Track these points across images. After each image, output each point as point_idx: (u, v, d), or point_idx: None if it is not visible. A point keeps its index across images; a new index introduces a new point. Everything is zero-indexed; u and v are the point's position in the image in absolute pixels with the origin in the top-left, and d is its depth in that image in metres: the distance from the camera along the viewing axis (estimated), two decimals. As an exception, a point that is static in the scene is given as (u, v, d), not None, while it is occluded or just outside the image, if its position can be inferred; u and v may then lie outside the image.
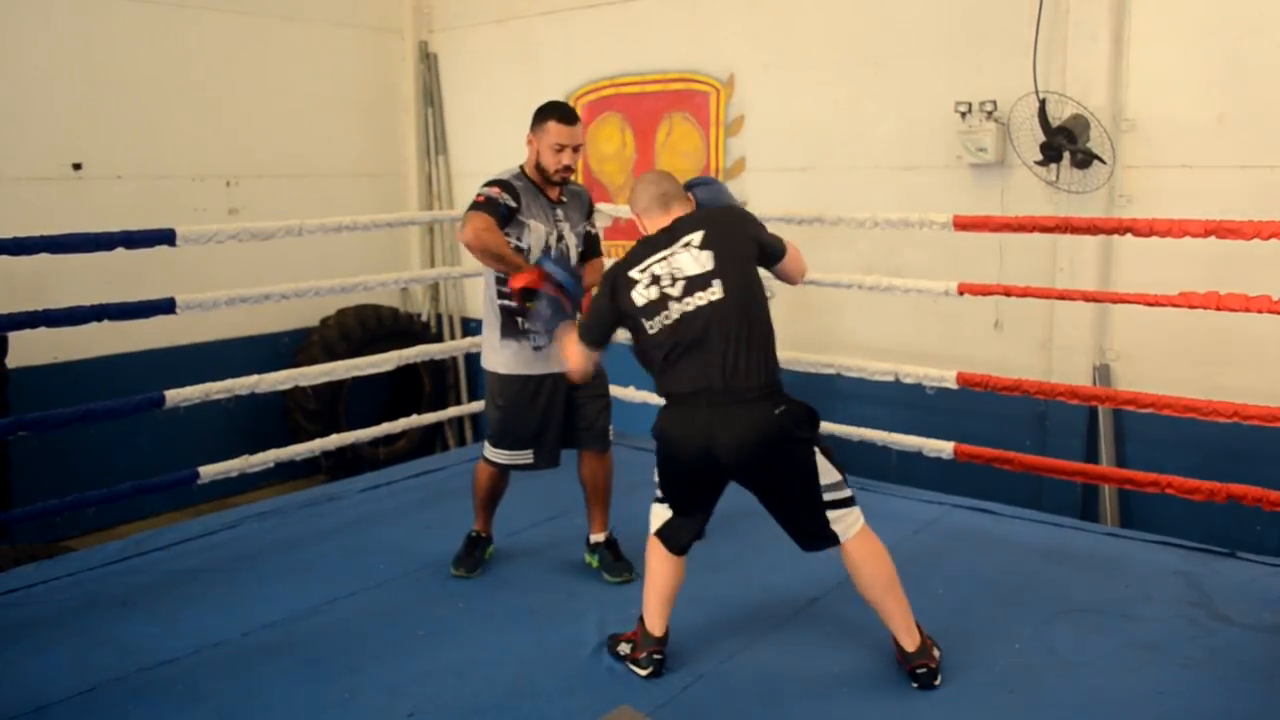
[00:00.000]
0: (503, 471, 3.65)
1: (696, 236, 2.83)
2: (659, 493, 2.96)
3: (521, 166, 3.49)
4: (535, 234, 3.42)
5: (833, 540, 2.86)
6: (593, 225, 3.63)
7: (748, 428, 2.74)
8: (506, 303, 3.42)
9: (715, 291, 2.77)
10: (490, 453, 3.63)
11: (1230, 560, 3.65)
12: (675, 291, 2.79)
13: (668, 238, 2.87)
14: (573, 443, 3.64)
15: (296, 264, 6.07)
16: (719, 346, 2.75)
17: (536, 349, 3.47)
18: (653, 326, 2.82)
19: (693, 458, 2.79)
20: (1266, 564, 3.62)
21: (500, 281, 3.42)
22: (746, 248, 2.89)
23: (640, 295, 2.83)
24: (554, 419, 3.56)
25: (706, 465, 2.79)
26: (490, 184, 3.40)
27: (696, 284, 2.78)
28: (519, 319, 3.42)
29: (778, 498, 2.87)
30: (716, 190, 3.19)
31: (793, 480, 2.82)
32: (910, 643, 2.86)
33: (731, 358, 2.74)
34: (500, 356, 3.53)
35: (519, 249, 3.38)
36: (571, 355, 3.07)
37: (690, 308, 2.77)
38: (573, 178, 3.50)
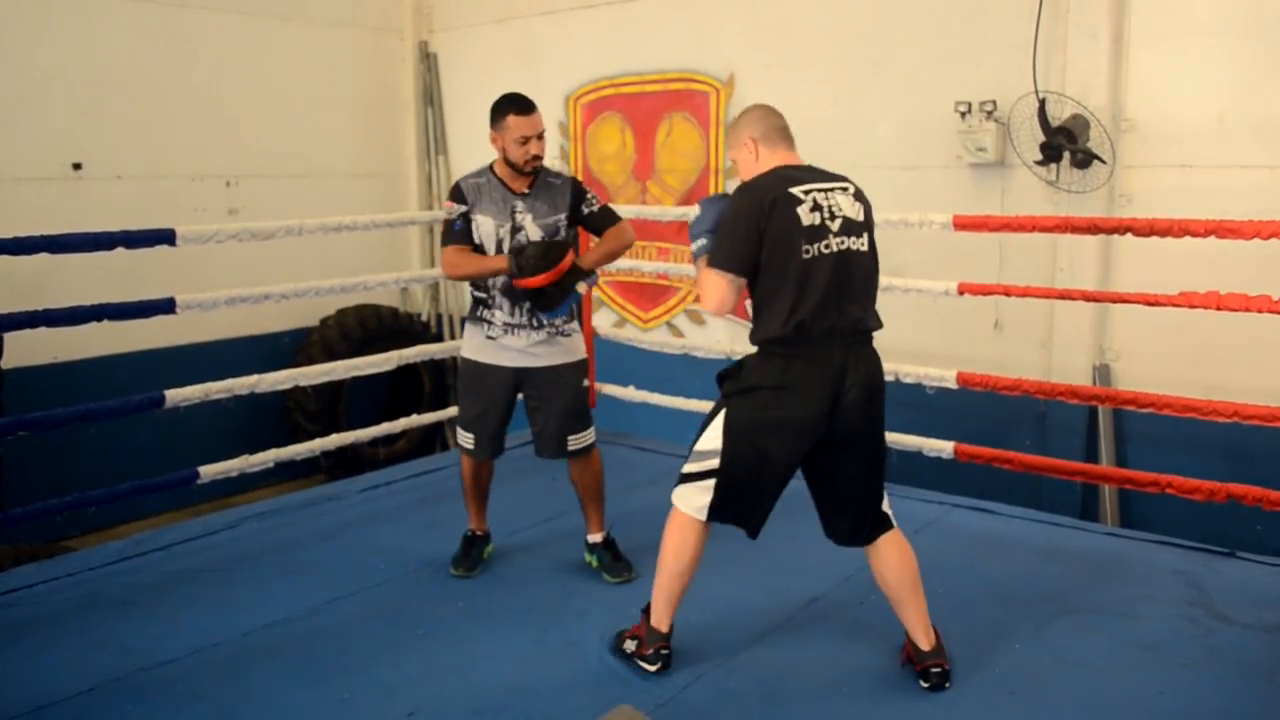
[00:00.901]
0: (471, 457, 3.66)
1: (850, 186, 2.81)
2: (700, 467, 2.78)
3: (492, 163, 3.52)
4: (484, 229, 3.44)
5: (886, 525, 2.83)
6: (589, 206, 3.54)
7: (875, 366, 2.76)
8: (474, 292, 3.56)
9: (864, 243, 2.76)
10: (458, 435, 3.69)
11: (1230, 560, 3.65)
12: (834, 226, 2.71)
13: (817, 173, 2.80)
14: (536, 447, 3.66)
15: (296, 264, 6.08)
16: (857, 292, 2.73)
17: (489, 338, 3.52)
18: (809, 251, 2.65)
19: (816, 407, 2.66)
20: (1266, 564, 3.61)
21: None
22: (873, 227, 2.85)
23: (805, 215, 2.67)
24: (492, 411, 3.56)
25: (823, 414, 2.67)
26: (448, 194, 3.55)
27: (852, 229, 2.74)
28: (480, 306, 3.52)
29: (861, 462, 2.79)
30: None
31: (878, 441, 2.81)
32: (926, 642, 2.85)
33: (862, 304, 2.74)
34: (465, 338, 3.63)
35: (474, 245, 3.46)
36: (713, 289, 2.70)
37: (843, 247, 2.71)
38: (543, 164, 3.47)
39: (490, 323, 3.50)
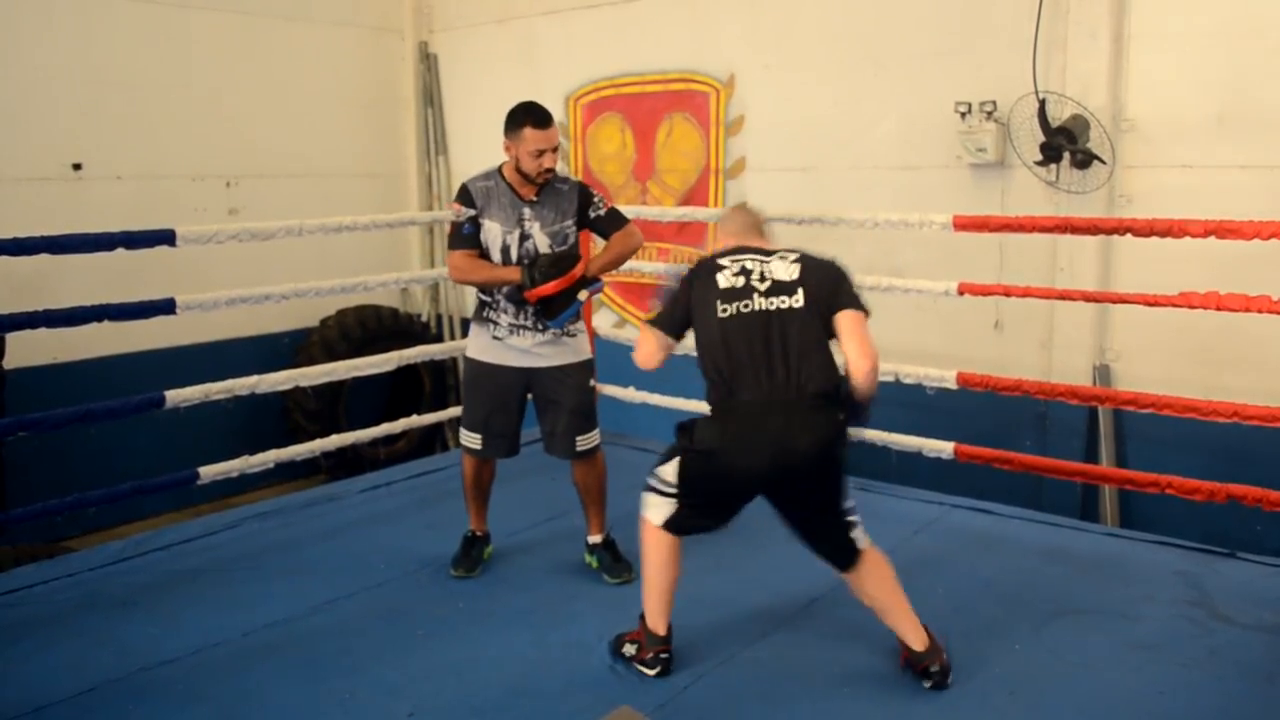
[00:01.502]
0: (475, 456, 3.66)
1: (793, 255, 2.89)
2: (663, 486, 2.89)
3: (501, 166, 3.52)
4: (490, 234, 3.45)
5: (855, 553, 2.87)
6: (597, 210, 3.56)
7: (823, 430, 2.74)
8: (480, 294, 3.57)
9: (798, 300, 2.80)
10: (461, 435, 3.69)
11: (1230, 560, 3.65)
12: (761, 288, 2.80)
13: (764, 250, 2.93)
14: (545, 446, 3.68)
15: (296, 264, 6.07)
16: (795, 351, 2.75)
17: (495, 338, 3.52)
18: (726, 310, 2.78)
19: (756, 467, 2.74)
20: (1266, 564, 3.62)
21: None
22: (833, 286, 2.87)
23: (724, 279, 2.83)
24: (501, 412, 3.57)
25: (768, 474, 2.74)
26: (455, 196, 3.55)
27: (783, 289, 2.80)
28: (485, 307, 3.53)
29: (818, 509, 2.86)
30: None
31: (835, 491, 2.85)
32: (920, 643, 2.85)
33: (804, 364, 2.75)
34: (470, 338, 3.64)
35: (483, 249, 3.47)
36: (645, 344, 2.93)
37: (771, 307, 2.77)
38: (555, 174, 3.48)
39: (496, 323, 3.51)
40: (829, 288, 2.83)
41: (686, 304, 2.88)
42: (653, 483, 2.92)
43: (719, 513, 2.90)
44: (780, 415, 2.72)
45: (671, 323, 2.91)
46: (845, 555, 2.88)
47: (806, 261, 2.87)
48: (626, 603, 3.26)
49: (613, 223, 3.58)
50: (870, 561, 2.88)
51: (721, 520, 2.92)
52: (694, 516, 2.89)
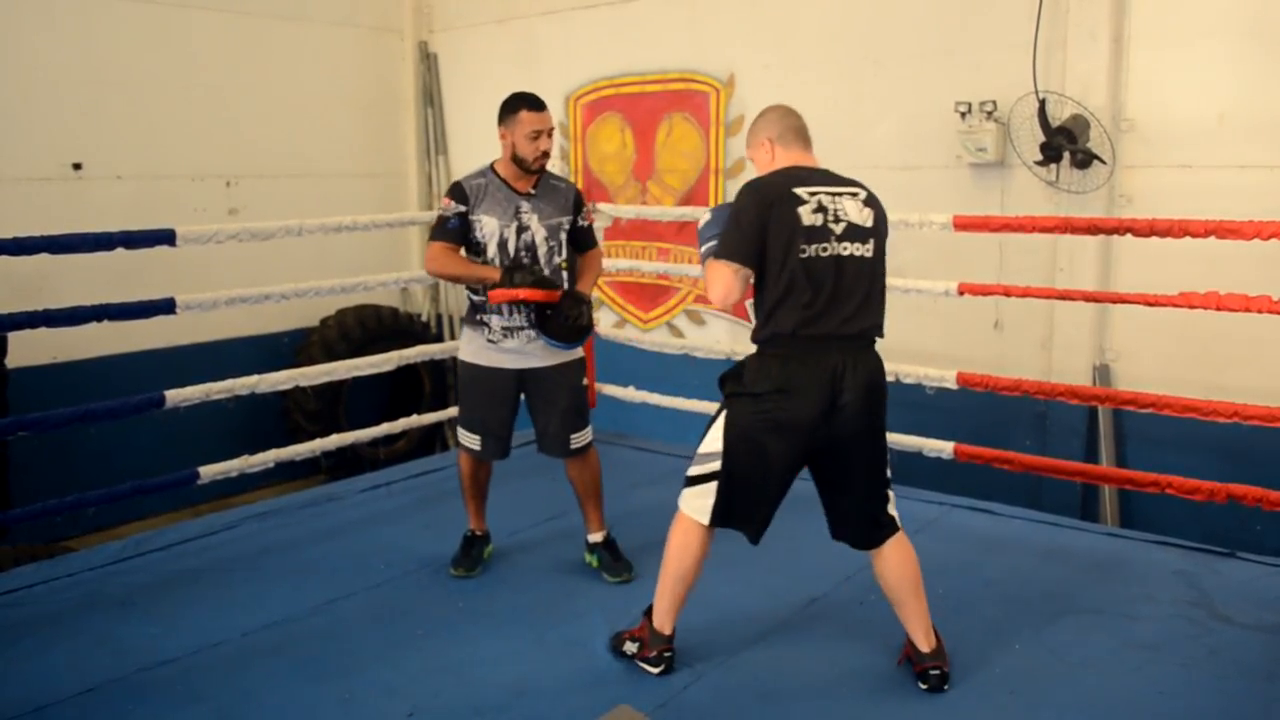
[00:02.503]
0: (474, 457, 3.66)
1: (862, 192, 2.81)
2: (704, 468, 2.77)
3: (493, 163, 3.52)
4: (487, 229, 3.44)
5: (892, 529, 2.83)
6: (584, 219, 3.61)
7: (874, 370, 2.76)
8: (471, 296, 3.56)
9: (869, 249, 2.75)
10: (459, 434, 3.69)
11: (1230, 560, 3.65)
12: (836, 230, 2.71)
13: (828, 177, 2.80)
14: (539, 445, 3.68)
15: (296, 264, 6.07)
16: (859, 297, 2.72)
17: (489, 341, 3.51)
18: (806, 251, 2.66)
19: (811, 407, 2.67)
20: (1266, 564, 3.61)
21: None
22: (885, 233, 2.85)
23: (806, 215, 2.68)
24: (497, 413, 3.57)
25: (821, 416, 2.68)
26: (447, 192, 3.53)
27: (856, 234, 2.73)
28: (477, 311, 3.52)
29: (863, 465, 2.79)
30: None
31: (879, 444, 2.81)
32: (926, 644, 2.85)
33: (864, 310, 2.73)
34: (463, 341, 3.63)
35: (476, 244, 3.46)
36: (718, 279, 2.70)
37: (845, 252, 2.71)
38: (549, 164, 3.50)
39: (488, 326, 3.50)
40: (886, 238, 2.84)
41: (763, 232, 2.67)
42: (692, 470, 2.82)
43: (763, 489, 2.77)
44: (838, 353, 2.70)
45: (748, 253, 2.68)
46: (879, 527, 2.83)
47: (875, 205, 2.81)
48: (627, 602, 3.27)
49: (590, 239, 3.67)
50: (901, 546, 2.85)
51: (765, 502, 2.79)
52: (739, 499, 2.77)
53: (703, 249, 2.82)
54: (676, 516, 2.88)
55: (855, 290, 2.73)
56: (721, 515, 2.80)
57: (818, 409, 2.69)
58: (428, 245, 3.52)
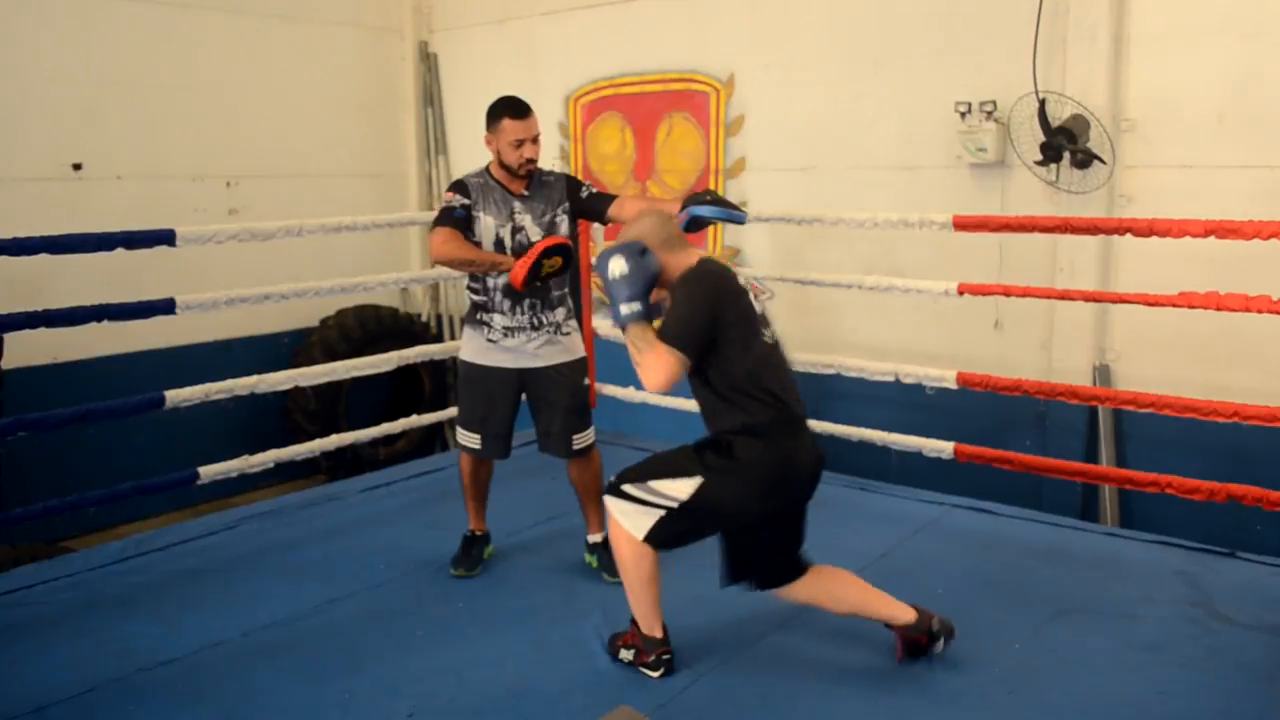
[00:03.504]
0: (474, 456, 3.66)
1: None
2: (656, 499, 2.75)
3: (488, 165, 3.53)
4: (484, 227, 3.44)
5: (803, 568, 2.93)
6: (586, 189, 3.57)
7: (819, 447, 2.88)
8: (472, 295, 3.54)
9: (773, 334, 2.86)
10: (458, 434, 3.69)
11: (1230, 560, 3.65)
12: (764, 315, 2.86)
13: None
14: (540, 445, 3.68)
15: (296, 264, 6.08)
16: (791, 378, 2.85)
17: (490, 341, 3.51)
18: (767, 335, 2.80)
19: (799, 490, 2.80)
20: (1266, 564, 3.62)
21: (471, 276, 3.51)
22: None
23: (755, 303, 2.80)
24: (497, 412, 3.57)
25: (807, 486, 2.82)
26: (449, 187, 3.51)
27: (766, 321, 2.85)
28: (478, 310, 3.50)
29: (798, 530, 2.91)
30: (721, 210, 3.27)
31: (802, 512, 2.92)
32: (907, 615, 2.89)
33: (795, 389, 2.84)
34: (463, 341, 3.62)
35: (474, 242, 3.45)
36: (658, 366, 2.63)
37: (774, 338, 2.84)
38: (536, 168, 3.48)
39: (490, 325, 3.50)
40: None
41: (713, 323, 2.67)
42: (636, 491, 2.77)
43: (703, 536, 2.86)
44: (807, 431, 2.84)
45: (697, 344, 2.66)
46: (803, 562, 2.92)
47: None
48: (626, 602, 3.26)
49: (605, 199, 3.56)
50: (822, 574, 2.93)
51: (701, 538, 2.87)
52: (683, 536, 2.82)
53: (623, 310, 2.68)
54: (612, 525, 2.85)
55: (790, 373, 2.85)
56: (656, 542, 2.81)
57: (802, 493, 2.81)
58: (432, 233, 3.44)
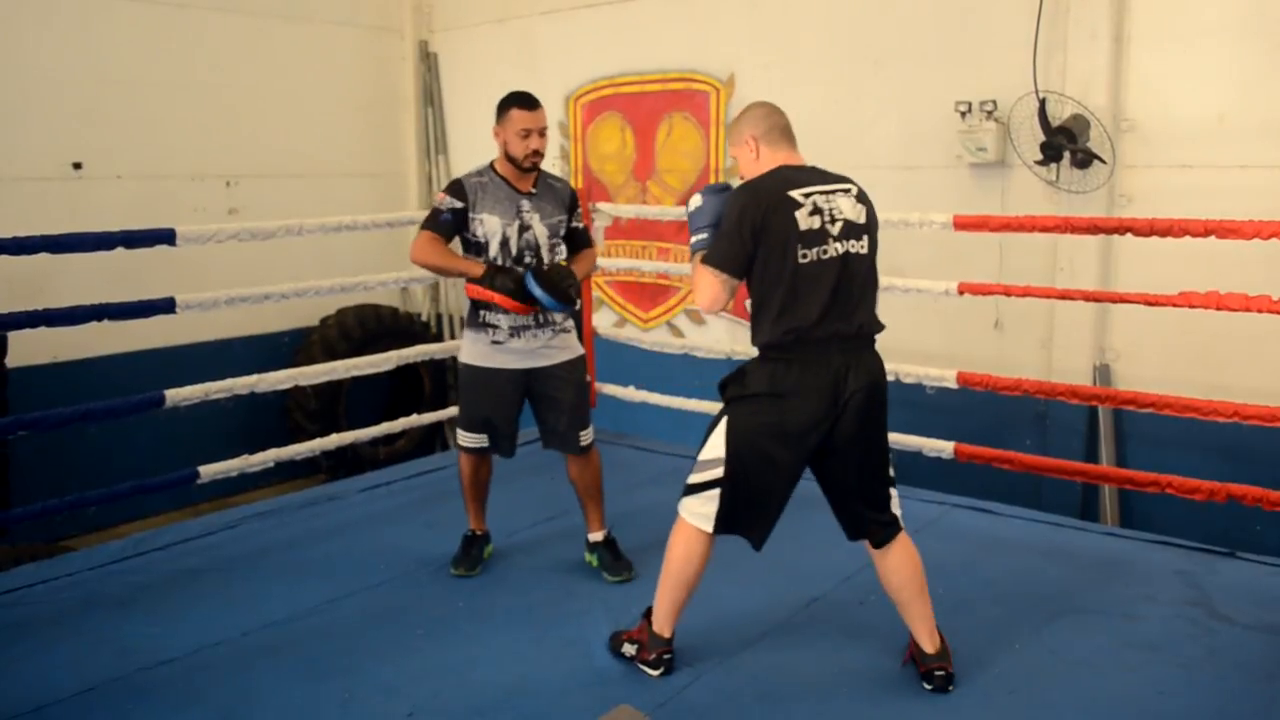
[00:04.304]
0: (474, 455, 3.66)
1: (854, 188, 2.80)
2: (705, 475, 2.75)
3: (492, 162, 3.52)
4: (489, 227, 3.44)
5: (894, 525, 2.83)
6: (578, 220, 3.62)
7: (875, 369, 2.76)
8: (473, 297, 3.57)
9: (865, 246, 2.76)
10: (458, 435, 3.68)
11: (1230, 560, 3.65)
12: (834, 230, 2.70)
13: (819, 175, 2.79)
14: (545, 443, 3.68)
15: (296, 264, 6.08)
16: (856, 296, 2.73)
17: (495, 343, 3.51)
18: (806, 255, 2.66)
19: (816, 408, 2.67)
20: (1266, 564, 3.62)
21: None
22: (877, 228, 2.85)
23: (802, 219, 2.66)
24: (504, 413, 3.57)
25: (824, 416, 2.68)
26: (444, 188, 3.53)
27: (852, 231, 2.73)
28: (481, 312, 3.50)
29: (866, 465, 2.79)
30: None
31: (881, 443, 2.80)
32: (931, 645, 2.84)
33: (862, 307, 2.75)
34: (465, 343, 3.62)
35: (476, 243, 3.45)
36: (706, 287, 2.70)
37: (843, 251, 2.71)
38: (542, 162, 3.49)
39: (495, 327, 3.48)
40: (878, 233, 2.84)
41: (756, 240, 2.66)
42: (693, 478, 2.78)
43: (767, 495, 2.76)
44: (839, 355, 2.70)
45: (740, 263, 2.68)
46: (882, 526, 2.83)
47: (866, 201, 2.81)
48: (627, 602, 3.27)
49: (585, 238, 3.68)
50: (905, 545, 2.85)
51: (770, 507, 2.78)
52: (743, 506, 2.75)
53: (693, 239, 2.83)
54: (678, 523, 2.85)
55: (853, 289, 2.73)
56: (725, 523, 2.78)
57: (822, 412, 2.69)
58: (417, 234, 3.50)
